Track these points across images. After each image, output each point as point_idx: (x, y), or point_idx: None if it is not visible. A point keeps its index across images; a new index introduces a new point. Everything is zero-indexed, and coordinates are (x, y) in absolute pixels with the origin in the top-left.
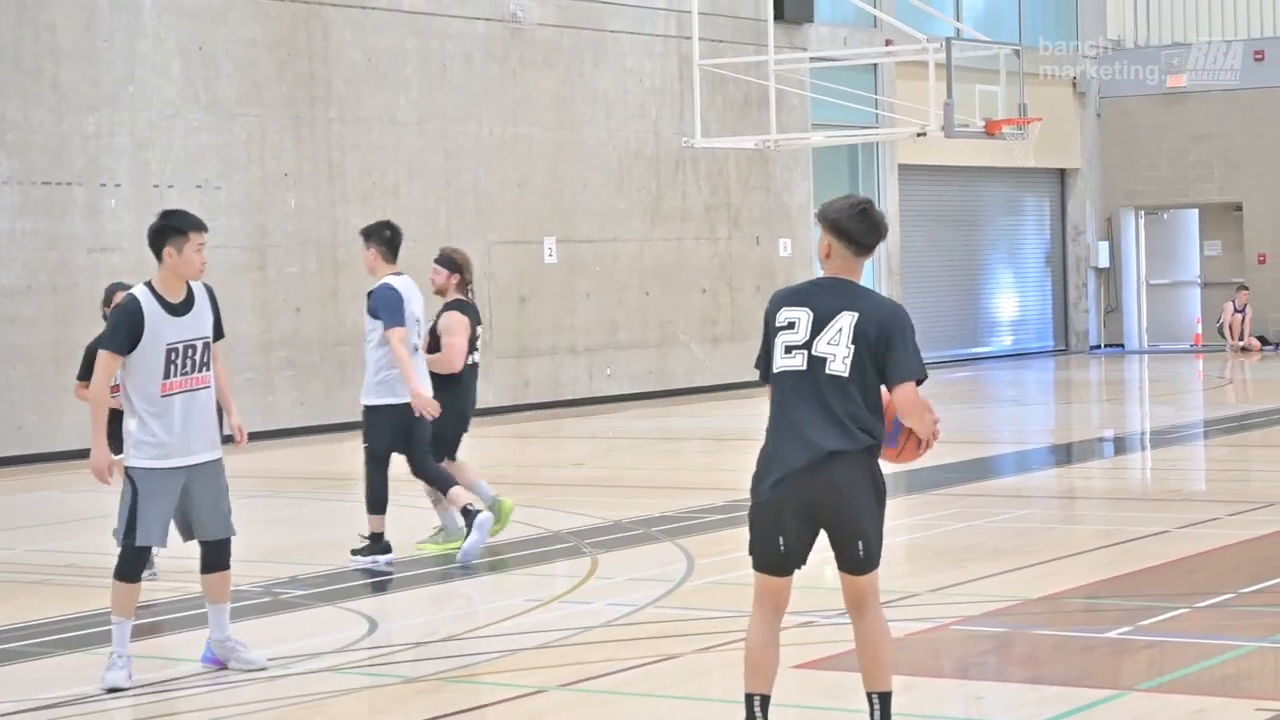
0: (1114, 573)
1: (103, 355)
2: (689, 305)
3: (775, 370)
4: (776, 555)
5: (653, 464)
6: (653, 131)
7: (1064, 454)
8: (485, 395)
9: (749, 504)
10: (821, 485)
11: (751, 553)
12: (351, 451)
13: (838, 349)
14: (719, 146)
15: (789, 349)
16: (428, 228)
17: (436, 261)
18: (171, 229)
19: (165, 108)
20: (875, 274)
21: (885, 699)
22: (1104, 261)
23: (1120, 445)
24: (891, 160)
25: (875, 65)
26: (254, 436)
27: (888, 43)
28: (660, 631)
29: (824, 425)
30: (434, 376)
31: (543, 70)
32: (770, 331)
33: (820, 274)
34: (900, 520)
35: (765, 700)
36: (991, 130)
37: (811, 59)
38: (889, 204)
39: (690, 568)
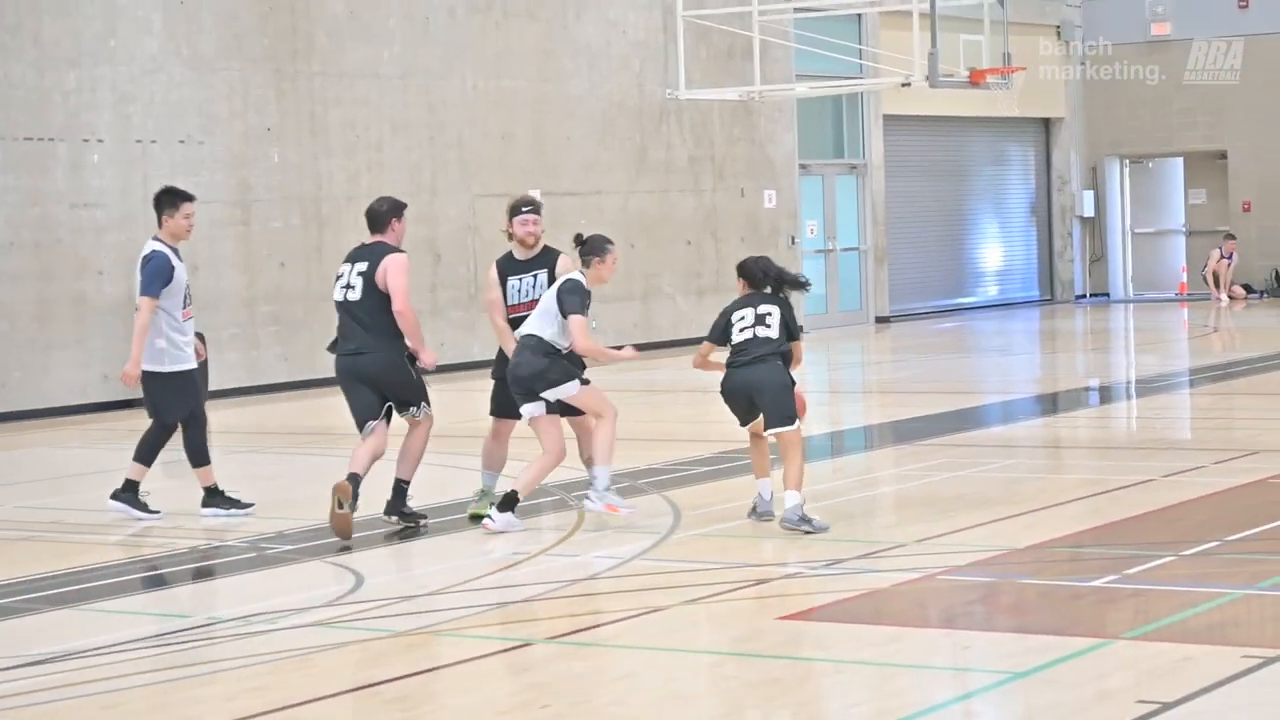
0: (1099, 522)
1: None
2: (673, 257)
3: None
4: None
5: (638, 416)
6: (636, 84)
7: (1050, 404)
8: (471, 348)
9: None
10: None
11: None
12: (335, 407)
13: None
14: (703, 98)
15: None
16: (412, 182)
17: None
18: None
19: (147, 62)
20: (860, 225)
21: None
22: (1089, 211)
23: (1106, 394)
24: (876, 111)
25: (859, 15)
26: (239, 392)
27: None
28: (648, 584)
29: None
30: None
31: (525, 23)
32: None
33: None
34: (887, 470)
35: None
36: (976, 80)
37: (795, 9)
38: (874, 155)
39: (677, 520)
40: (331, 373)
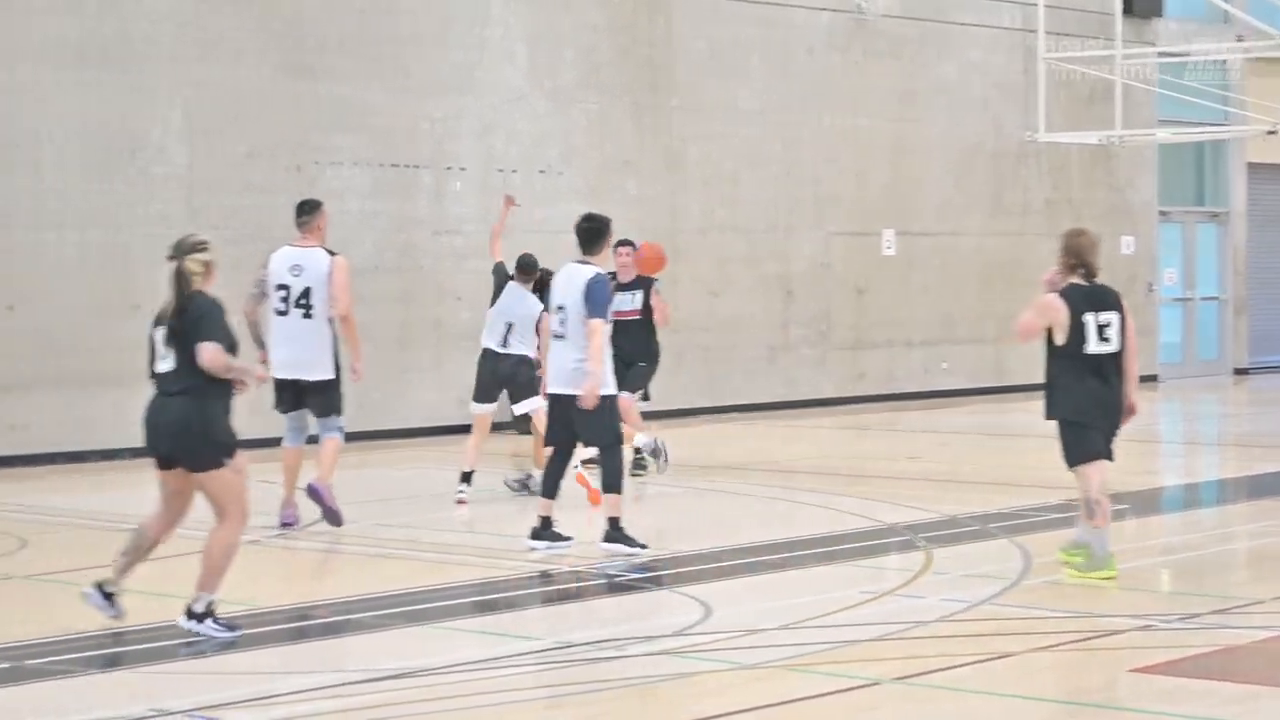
0: None
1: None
2: (1028, 301)
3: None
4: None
5: (988, 460)
6: (994, 125)
7: None
8: (822, 385)
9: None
10: None
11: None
12: (700, 438)
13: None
14: (1062, 141)
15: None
16: (766, 218)
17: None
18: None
19: (510, 93)
20: (1220, 274)
21: None
22: None
23: None
24: (1240, 158)
25: (1225, 61)
26: None
27: (1239, 38)
28: (996, 629)
29: None
30: None
31: (886, 62)
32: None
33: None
34: (1243, 525)
35: None
36: None
37: (1160, 54)
38: (1236, 203)
39: (1027, 565)
40: (691, 403)
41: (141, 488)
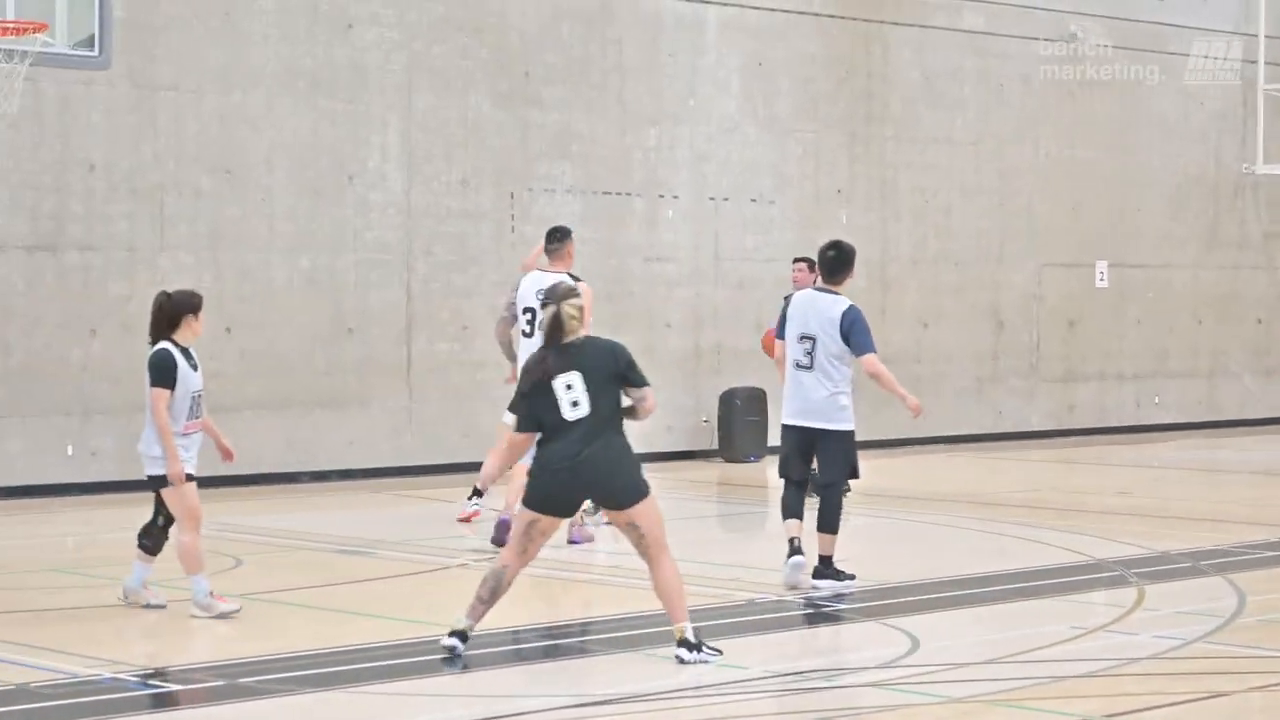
0: None
1: None
2: (1242, 336)
3: None
4: None
5: (1200, 495)
6: (1213, 156)
7: None
8: (1029, 418)
9: None
10: None
11: None
12: (907, 467)
13: None
14: None
15: None
16: (979, 248)
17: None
18: None
19: (724, 122)
20: None
21: None
22: None
23: None
24: None
25: None
26: None
27: None
28: (1209, 668)
29: None
30: None
31: (1102, 92)
32: None
33: None
34: None
35: None
36: None
37: None
38: None
39: (1241, 603)
40: (899, 433)
41: (351, 509)
